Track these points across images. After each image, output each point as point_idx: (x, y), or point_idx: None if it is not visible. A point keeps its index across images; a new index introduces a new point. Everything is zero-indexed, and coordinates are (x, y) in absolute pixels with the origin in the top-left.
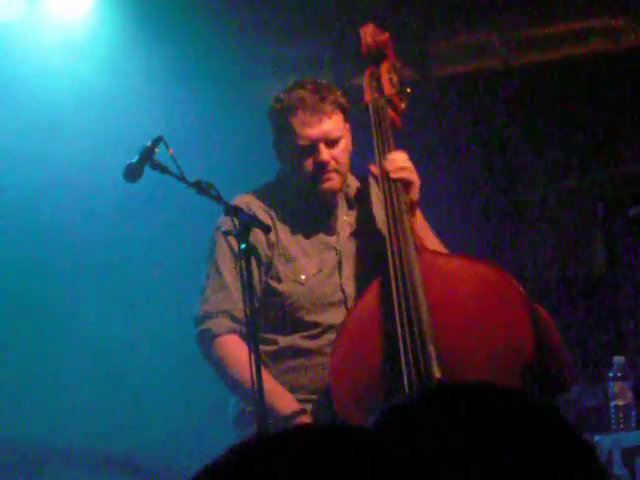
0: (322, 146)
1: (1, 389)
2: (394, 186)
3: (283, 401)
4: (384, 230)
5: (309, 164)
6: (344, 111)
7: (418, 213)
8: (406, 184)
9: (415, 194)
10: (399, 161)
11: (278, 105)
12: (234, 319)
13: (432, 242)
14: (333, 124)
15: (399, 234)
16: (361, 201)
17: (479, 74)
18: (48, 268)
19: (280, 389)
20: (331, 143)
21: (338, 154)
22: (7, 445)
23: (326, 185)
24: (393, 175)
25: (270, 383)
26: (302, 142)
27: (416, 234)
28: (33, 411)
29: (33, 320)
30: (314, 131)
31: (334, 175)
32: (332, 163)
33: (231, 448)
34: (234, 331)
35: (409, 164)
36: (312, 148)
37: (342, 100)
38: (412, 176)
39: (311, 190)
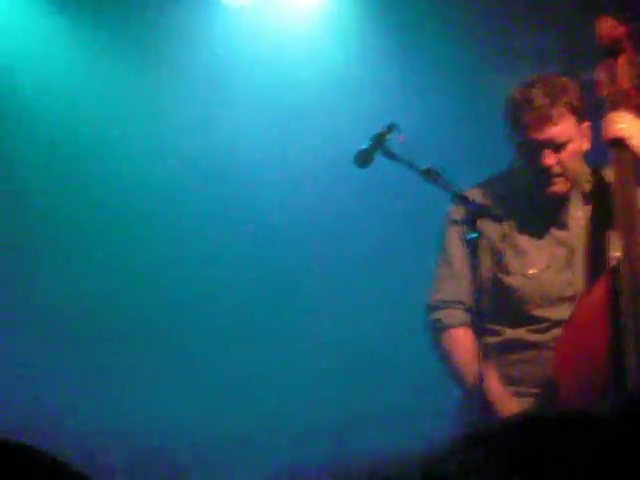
0: (546, 151)
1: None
2: (623, 169)
3: (504, 406)
4: (616, 226)
5: (534, 166)
6: (577, 113)
7: None
8: (624, 143)
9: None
10: (608, 123)
11: (510, 101)
12: (465, 309)
13: None
14: (560, 129)
15: (631, 230)
16: (596, 195)
17: None
18: (279, 256)
19: (502, 392)
20: (557, 147)
21: (565, 158)
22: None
23: (550, 190)
24: (605, 139)
25: (493, 382)
26: (527, 144)
27: None
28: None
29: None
30: (539, 136)
31: (559, 180)
32: (556, 168)
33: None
34: (465, 323)
35: (619, 120)
36: (537, 151)
37: (576, 101)
38: (620, 131)
39: (537, 191)
